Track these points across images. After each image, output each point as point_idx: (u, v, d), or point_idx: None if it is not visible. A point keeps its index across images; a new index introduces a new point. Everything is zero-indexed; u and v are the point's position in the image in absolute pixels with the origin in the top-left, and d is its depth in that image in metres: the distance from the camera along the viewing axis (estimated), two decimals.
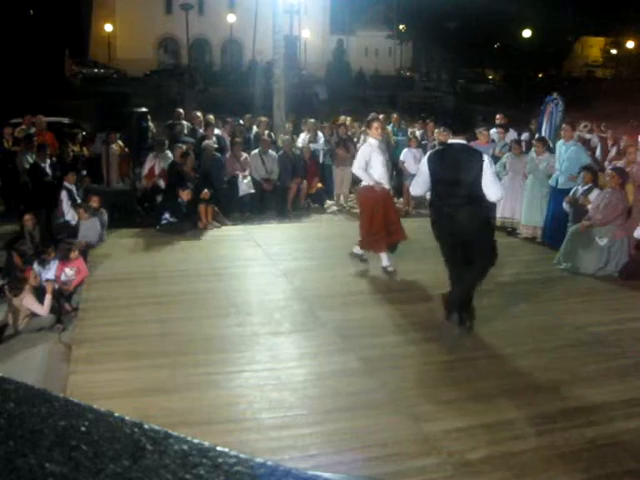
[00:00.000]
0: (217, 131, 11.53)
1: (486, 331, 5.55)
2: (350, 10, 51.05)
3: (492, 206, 5.73)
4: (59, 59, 35.75)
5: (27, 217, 7.68)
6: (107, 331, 5.45)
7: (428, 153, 5.76)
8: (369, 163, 7.02)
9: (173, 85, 29.27)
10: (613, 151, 10.34)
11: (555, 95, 10.48)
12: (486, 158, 5.28)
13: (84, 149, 11.47)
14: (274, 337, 5.41)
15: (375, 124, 7.10)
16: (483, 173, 5.16)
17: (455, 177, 5.22)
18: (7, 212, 10.28)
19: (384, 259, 7.22)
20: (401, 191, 11.39)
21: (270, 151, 10.79)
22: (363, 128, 9.68)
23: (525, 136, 11.31)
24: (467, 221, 5.18)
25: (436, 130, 11.84)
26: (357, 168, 7.19)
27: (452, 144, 5.41)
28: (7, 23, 29.61)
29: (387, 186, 7.17)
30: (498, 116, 11.74)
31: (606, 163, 9.56)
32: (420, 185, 5.59)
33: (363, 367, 4.81)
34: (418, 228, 9.23)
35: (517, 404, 4.26)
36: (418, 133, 12.04)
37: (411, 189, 5.91)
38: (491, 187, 5.21)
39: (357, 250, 7.49)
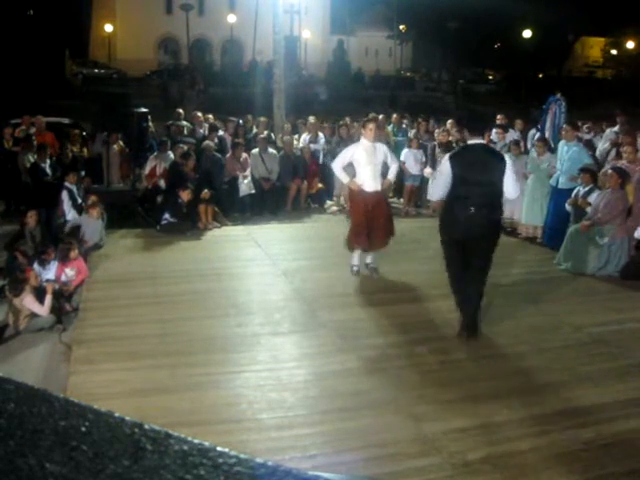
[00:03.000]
0: (219, 132, 11.52)
1: (486, 331, 5.54)
2: (350, 10, 51.03)
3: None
4: (59, 59, 35.78)
5: (30, 214, 7.66)
6: (107, 331, 5.45)
7: (449, 154, 5.56)
8: (358, 163, 6.98)
9: (174, 85, 29.25)
10: (613, 152, 10.31)
11: (558, 95, 10.46)
12: (508, 158, 5.44)
13: (84, 149, 11.47)
14: (274, 337, 5.41)
15: (370, 125, 6.99)
16: (506, 173, 5.26)
17: (480, 177, 5.22)
18: (7, 212, 10.29)
19: (354, 259, 7.20)
20: (401, 191, 11.41)
21: (270, 150, 10.78)
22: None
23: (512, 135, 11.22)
24: (485, 222, 5.19)
25: (437, 130, 11.84)
26: (335, 164, 7.26)
27: (472, 145, 5.43)
28: (7, 23, 29.64)
29: (371, 189, 6.93)
30: (499, 116, 11.70)
31: (606, 164, 9.55)
32: (441, 187, 5.40)
33: (363, 367, 4.81)
34: (418, 228, 9.25)
35: (517, 404, 4.26)
36: (411, 133, 12.02)
37: (431, 194, 5.69)
38: (514, 186, 5.38)
39: (353, 261, 7.29)
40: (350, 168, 7.18)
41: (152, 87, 30.19)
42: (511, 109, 19.43)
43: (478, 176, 5.21)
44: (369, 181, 6.93)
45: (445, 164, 5.37)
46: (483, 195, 5.19)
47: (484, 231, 5.21)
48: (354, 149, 7.11)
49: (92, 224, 8.16)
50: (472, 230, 5.18)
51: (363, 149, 6.97)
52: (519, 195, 8.99)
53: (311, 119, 12.39)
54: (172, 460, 0.57)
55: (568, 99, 10.53)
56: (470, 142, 5.48)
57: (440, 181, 5.41)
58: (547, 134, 10.18)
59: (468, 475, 3.46)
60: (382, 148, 7.13)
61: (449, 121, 12.36)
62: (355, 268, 7.19)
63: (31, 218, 7.63)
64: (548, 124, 10.41)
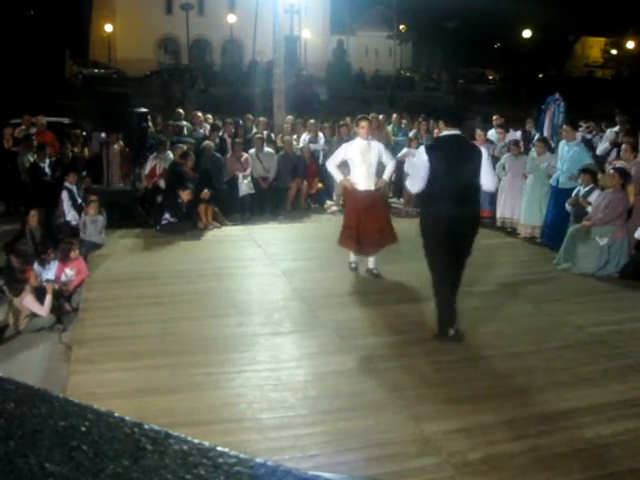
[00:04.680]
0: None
1: (486, 331, 5.55)
2: (350, 10, 51.05)
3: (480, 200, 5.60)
4: (59, 59, 35.81)
5: (33, 213, 7.67)
6: (107, 331, 5.45)
7: (424, 145, 5.59)
8: (352, 161, 6.95)
9: (175, 85, 29.25)
10: (614, 153, 10.32)
11: (557, 95, 10.47)
12: (484, 150, 5.34)
13: (85, 149, 11.48)
14: (274, 337, 5.41)
15: (362, 123, 6.94)
16: (482, 163, 5.18)
17: (455, 169, 5.10)
18: (7, 212, 10.30)
19: (351, 256, 7.19)
20: (401, 191, 11.41)
21: (267, 149, 10.78)
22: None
23: (518, 135, 11.25)
24: (465, 214, 5.09)
25: (436, 130, 11.82)
26: (329, 162, 7.22)
27: (448, 135, 5.28)
28: (7, 23, 29.66)
29: (364, 188, 6.89)
30: (495, 117, 11.68)
31: (606, 165, 9.56)
32: (420, 179, 5.19)
33: (363, 367, 4.81)
34: (417, 228, 9.23)
35: (516, 404, 4.26)
36: (411, 133, 12.03)
37: (410, 186, 5.50)
38: (490, 177, 5.31)
39: (350, 257, 7.29)
40: (346, 167, 7.17)
41: (152, 87, 30.19)
42: (511, 109, 19.43)
43: (453, 167, 5.09)
44: (363, 180, 6.89)
45: (421, 155, 5.21)
46: (459, 187, 5.07)
47: (464, 224, 5.11)
48: (348, 147, 7.06)
49: (92, 221, 8.15)
50: (452, 223, 5.07)
51: (357, 148, 6.92)
52: (518, 195, 9.12)
53: (289, 118, 12.40)
54: (172, 460, 0.57)
55: (568, 99, 10.53)
56: (445, 133, 5.32)
57: (419, 173, 5.21)
58: (545, 133, 10.20)
59: (468, 475, 3.46)
60: (377, 146, 7.05)
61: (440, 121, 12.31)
62: (353, 265, 7.18)
63: (33, 218, 7.64)
64: (546, 124, 10.42)
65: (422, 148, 5.40)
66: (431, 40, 45.43)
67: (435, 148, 5.34)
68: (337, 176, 7.18)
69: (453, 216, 5.03)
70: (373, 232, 6.91)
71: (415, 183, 5.29)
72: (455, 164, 5.12)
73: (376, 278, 7.08)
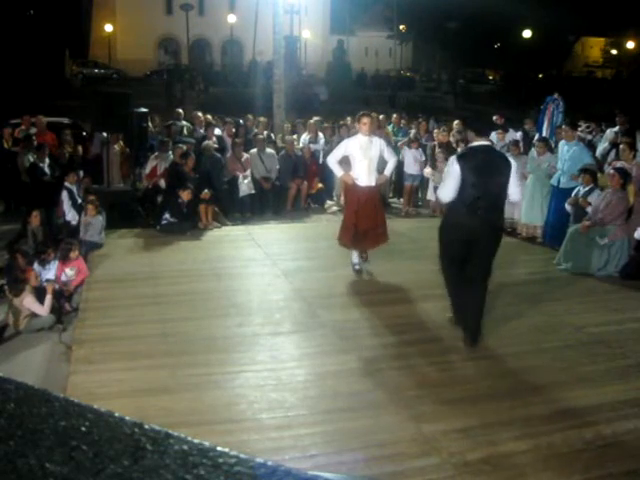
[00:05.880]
0: (217, 131, 11.54)
1: (486, 331, 5.54)
2: (350, 10, 50.99)
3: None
4: (59, 59, 35.80)
5: (35, 213, 7.68)
6: (107, 331, 5.45)
7: (455, 155, 5.47)
8: (353, 157, 6.95)
9: (177, 85, 29.25)
10: (613, 153, 10.33)
11: (556, 95, 10.48)
12: (512, 160, 5.35)
13: (79, 148, 11.45)
14: (274, 337, 5.41)
15: (364, 119, 6.93)
16: (511, 175, 5.17)
17: (489, 180, 5.10)
18: (7, 212, 10.30)
19: (354, 257, 7.20)
20: (401, 191, 11.41)
21: (268, 150, 10.79)
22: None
23: (518, 136, 11.24)
24: (490, 226, 5.11)
25: (436, 130, 11.83)
26: (330, 158, 7.21)
27: (479, 146, 5.28)
28: (7, 23, 29.66)
29: (365, 184, 6.91)
30: (495, 117, 11.66)
31: (606, 165, 9.56)
32: (452, 189, 5.16)
33: (363, 367, 4.81)
34: (417, 228, 9.25)
35: (517, 404, 4.26)
36: (412, 133, 12.04)
37: (441, 194, 5.44)
38: (517, 188, 5.30)
39: (353, 259, 7.30)
40: (347, 164, 7.17)
41: (153, 87, 30.18)
42: (511, 109, 19.43)
43: (487, 179, 5.09)
44: (363, 176, 6.90)
45: (453, 166, 5.17)
46: (490, 199, 5.10)
47: (488, 235, 5.13)
48: (348, 143, 7.07)
49: (92, 221, 8.15)
50: (476, 234, 5.07)
51: (358, 143, 6.92)
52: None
53: (316, 119, 12.37)
54: (172, 460, 0.57)
55: (568, 99, 10.54)
56: (476, 143, 5.33)
57: (450, 183, 5.19)
58: (544, 133, 10.21)
59: (468, 475, 3.46)
60: (378, 142, 7.05)
61: (455, 122, 12.26)
62: (357, 267, 7.17)
63: (35, 218, 7.65)
64: (545, 124, 10.44)
65: (453, 158, 5.31)
66: (431, 40, 45.43)
67: (466, 159, 5.23)
68: (337, 171, 7.18)
69: (476, 226, 5.07)
70: (370, 227, 6.93)
71: (446, 192, 5.27)
72: (486, 176, 5.11)
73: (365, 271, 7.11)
